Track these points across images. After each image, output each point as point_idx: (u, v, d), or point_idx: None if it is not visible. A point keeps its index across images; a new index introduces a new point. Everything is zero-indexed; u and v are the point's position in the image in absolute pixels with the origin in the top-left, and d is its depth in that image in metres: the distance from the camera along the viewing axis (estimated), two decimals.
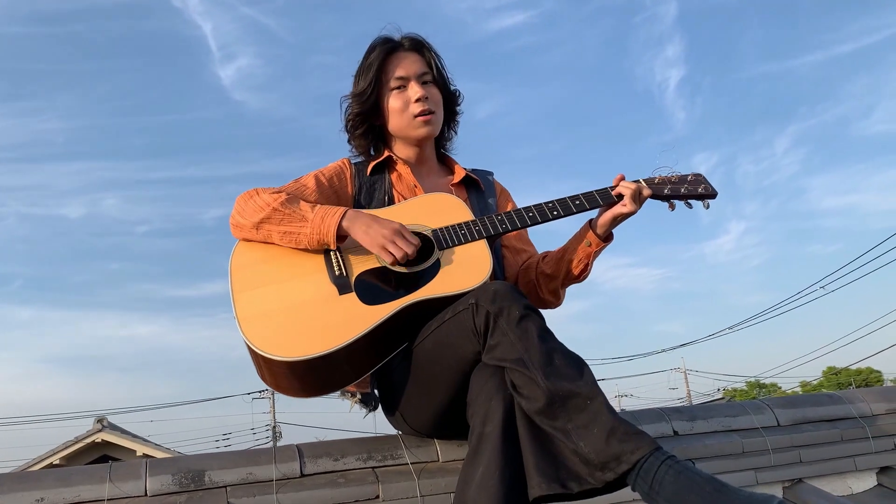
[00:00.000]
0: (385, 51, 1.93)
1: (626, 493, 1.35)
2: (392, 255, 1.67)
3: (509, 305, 1.48)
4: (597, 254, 1.86)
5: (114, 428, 16.47)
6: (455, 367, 1.58)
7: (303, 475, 1.68)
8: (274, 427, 31.62)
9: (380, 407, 1.89)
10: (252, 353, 1.64)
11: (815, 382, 48.38)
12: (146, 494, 1.58)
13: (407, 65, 1.93)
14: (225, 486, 1.63)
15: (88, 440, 15.77)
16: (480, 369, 1.51)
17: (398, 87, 1.92)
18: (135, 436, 16.89)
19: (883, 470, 2.09)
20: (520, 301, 1.49)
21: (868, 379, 47.04)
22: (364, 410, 1.87)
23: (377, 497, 1.66)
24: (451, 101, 2.02)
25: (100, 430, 15.91)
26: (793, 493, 1.96)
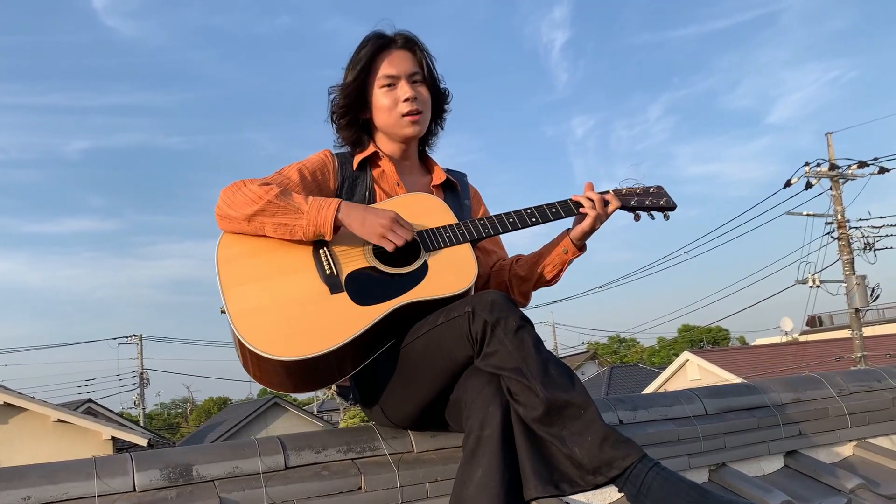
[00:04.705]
0: (377, 47, 1.95)
1: None
2: (392, 242, 1.73)
3: (507, 316, 1.57)
4: (570, 261, 1.98)
5: None
6: (445, 369, 1.66)
7: (287, 468, 1.72)
8: (142, 374, 30.62)
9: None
10: (242, 348, 1.66)
11: (670, 339, 51.86)
12: (135, 490, 1.58)
13: (398, 63, 1.95)
14: (213, 480, 1.64)
15: None
16: (476, 374, 1.59)
17: (388, 85, 1.94)
18: None
19: (789, 453, 2.36)
20: (516, 312, 1.58)
21: (717, 337, 50.88)
22: (343, 402, 1.93)
23: (359, 489, 1.73)
24: (439, 99, 2.06)
25: None
26: (717, 475, 2.19)
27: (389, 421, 1.86)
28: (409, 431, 1.88)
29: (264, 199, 1.74)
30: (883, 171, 17.34)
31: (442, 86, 2.05)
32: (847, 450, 2.48)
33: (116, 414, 24.28)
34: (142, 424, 28.24)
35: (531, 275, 2.00)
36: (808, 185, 18.01)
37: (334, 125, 2.01)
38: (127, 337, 30.05)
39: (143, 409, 31.48)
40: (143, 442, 16.78)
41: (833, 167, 17.90)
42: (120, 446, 16.55)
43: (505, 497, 1.45)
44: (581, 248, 1.96)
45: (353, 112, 1.98)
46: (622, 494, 1.45)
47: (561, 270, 1.99)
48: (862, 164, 17.60)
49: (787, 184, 18.12)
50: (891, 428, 2.56)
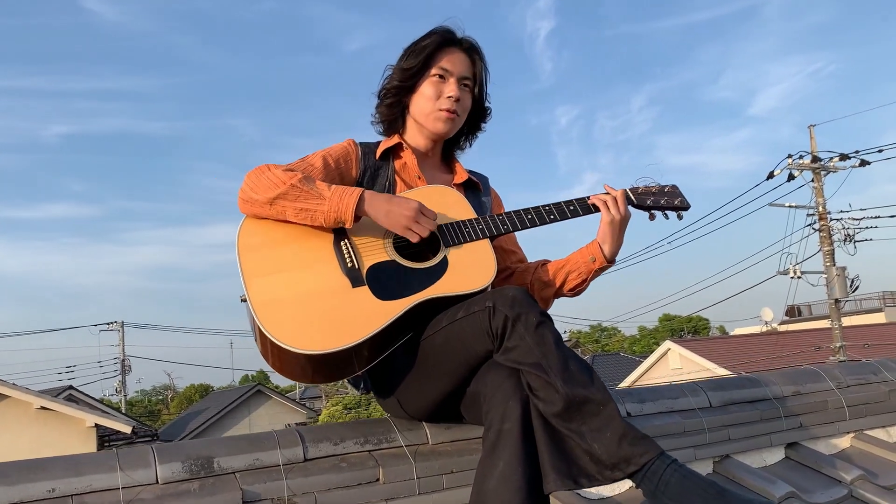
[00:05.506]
0: (443, 40, 1.99)
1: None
2: (416, 234, 1.75)
3: (527, 311, 1.59)
4: (598, 272, 1.96)
5: None
6: (464, 363, 1.68)
7: (306, 459, 1.74)
8: (123, 360, 30.42)
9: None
10: (264, 339, 1.66)
11: (651, 328, 52.31)
12: (157, 482, 1.59)
13: (456, 61, 1.99)
14: (234, 473, 1.66)
15: None
16: (495, 368, 1.61)
17: (438, 77, 1.97)
18: None
19: (790, 445, 2.41)
20: (536, 308, 1.60)
21: (697, 326, 51.37)
22: (355, 390, 1.95)
23: (378, 480, 1.75)
24: (479, 115, 2.09)
25: None
26: (721, 467, 2.23)
27: (405, 412, 1.87)
28: (424, 423, 1.90)
29: (287, 184, 1.76)
30: (864, 163, 17.54)
31: (487, 104, 2.09)
32: (845, 441, 2.53)
33: (97, 401, 24.15)
34: (123, 411, 28.10)
35: (554, 280, 1.99)
36: (791, 177, 18.19)
37: (378, 100, 2.06)
38: (108, 323, 29.86)
39: (125, 395, 31.31)
40: (127, 429, 16.71)
41: (815, 159, 18.09)
42: (103, 433, 16.48)
43: (527, 490, 1.47)
44: (611, 260, 1.95)
45: (400, 94, 2.02)
46: (637, 488, 1.48)
47: (586, 280, 1.97)
48: (843, 157, 17.80)
49: (770, 175, 18.29)
50: (887, 420, 2.62)
